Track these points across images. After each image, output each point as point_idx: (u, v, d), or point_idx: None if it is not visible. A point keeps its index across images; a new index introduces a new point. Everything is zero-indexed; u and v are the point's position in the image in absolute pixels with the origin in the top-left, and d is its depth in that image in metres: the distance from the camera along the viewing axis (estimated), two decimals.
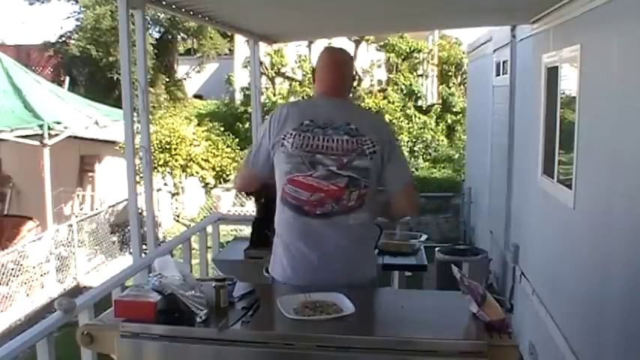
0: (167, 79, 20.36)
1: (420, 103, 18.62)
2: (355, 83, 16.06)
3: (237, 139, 16.30)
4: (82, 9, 20.00)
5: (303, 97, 16.38)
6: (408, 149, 17.11)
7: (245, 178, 2.75)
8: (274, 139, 2.46)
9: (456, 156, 16.82)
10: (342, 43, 16.83)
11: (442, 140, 17.78)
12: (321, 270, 2.42)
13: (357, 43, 17.88)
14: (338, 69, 2.59)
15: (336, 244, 2.43)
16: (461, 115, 17.34)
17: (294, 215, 2.45)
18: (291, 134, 2.42)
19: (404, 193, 2.55)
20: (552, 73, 4.77)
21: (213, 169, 14.70)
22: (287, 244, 2.48)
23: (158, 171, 13.04)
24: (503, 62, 7.04)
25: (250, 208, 12.66)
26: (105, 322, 2.06)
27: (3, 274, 8.38)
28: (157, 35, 21.25)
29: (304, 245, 2.44)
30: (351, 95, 2.81)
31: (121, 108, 3.65)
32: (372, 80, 18.82)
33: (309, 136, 2.41)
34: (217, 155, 14.95)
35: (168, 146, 13.64)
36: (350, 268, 2.46)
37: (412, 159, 16.99)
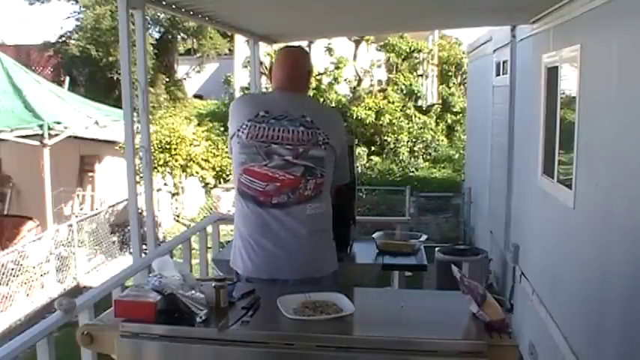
0: (167, 79, 20.37)
1: (420, 103, 18.63)
2: (355, 83, 15.97)
3: None
4: (82, 9, 20.02)
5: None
6: (408, 149, 17.13)
7: None
8: (231, 130, 2.51)
9: (456, 156, 16.82)
10: (342, 43, 16.88)
11: (442, 140, 17.79)
12: (282, 261, 2.43)
13: (357, 43, 17.89)
14: (288, 66, 2.63)
15: (295, 234, 2.43)
16: (461, 115, 17.34)
17: (250, 206, 2.45)
18: (247, 125, 2.45)
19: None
20: (552, 73, 4.77)
21: (213, 169, 14.68)
22: (245, 237, 2.49)
23: (158, 171, 13.03)
24: (503, 62, 7.04)
25: None
26: (105, 322, 2.06)
27: (3, 274, 8.37)
28: (157, 35, 21.27)
29: (262, 237, 2.44)
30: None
31: (121, 108, 3.65)
32: (372, 80, 18.82)
33: (265, 126, 2.43)
34: (217, 155, 14.94)
35: (168, 146, 13.63)
36: (311, 259, 2.46)
37: (412, 159, 17.01)
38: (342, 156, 2.56)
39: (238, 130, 2.47)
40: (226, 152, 15.31)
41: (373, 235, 3.54)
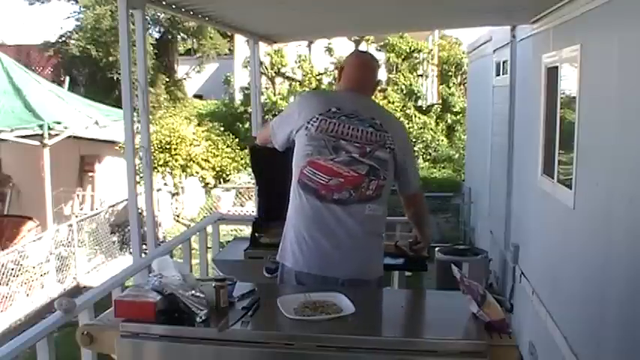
0: (167, 79, 20.35)
1: (420, 103, 18.63)
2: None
3: (237, 139, 16.30)
4: (82, 9, 19.98)
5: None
6: None
7: (265, 139, 2.78)
8: (299, 122, 2.49)
9: (456, 156, 16.82)
10: (342, 43, 16.87)
11: (442, 140, 17.78)
12: (335, 259, 2.41)
13: (357, 43, 17.88)
14: (365, 69, 2.67)
15: (350, 232, 2.42)
16: (461, 115, 17.34)
17: (309, 200, 2.44)
18: (317, 118, 2.45)
19: (421, 194, 2.71)
20: (552, 73, 4.77)
21: (213, 169, 14.69)
22: (299, 230, 2.46)
23: (158, 171, 13.03)
24: (503, 62, 7.05)
25: (250, 208, 12.66)
26: (105, 322, 2.06)
27: (3, 274, 8.37)
28: (157, 35, 21.23)
29: (317, 232, 2.43)
30: None
31: (121, 108, 3.66)
32: None
33: (335, 122, 2.44)
34: (217, 155, 14.94)
35: (168, 146, 13.64)
36: (363, 260, 2.45)
37: None
38: (405, 165, 2.55)
39: (308, 123, 2.46)
40: (226, 152, 15.33)
41: None
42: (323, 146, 2.42)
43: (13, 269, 8.56)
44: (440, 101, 19.02)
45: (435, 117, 17.88)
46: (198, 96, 23.58)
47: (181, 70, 22.79)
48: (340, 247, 2.41)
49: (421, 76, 19.41)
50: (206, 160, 14.53)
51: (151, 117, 3.95)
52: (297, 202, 2.48)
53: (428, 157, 17.47)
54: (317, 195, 2.42)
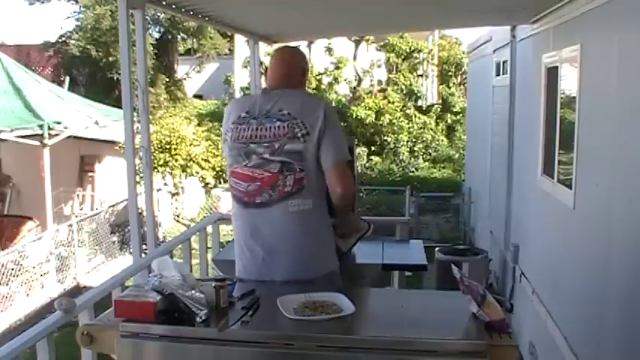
0: (167, 79, 20.36)
1: (420, 103, 18.61)
2: (355, 83, 15.88)
3: None
4: (82, 9, 20.01)
5: None
6: (408, 149, 17.13)
7: None
8: (223, 134, 2.55)
9: (456, 156, 16.82)
10: (342, 43, 16.88)
11: (442, 140, 17.77)
12: (267, 262, 2.41)
13: (357, 43, 17.88)
14: (280, 65, 2.65)
15: (279, 233, 2.40)
16: (461, 115, 17.34)
17: (238, 208, 2.48)
18: (231, 128, 2.49)
19: (333, 169, 2.41)
20: (552, 73, 4.77)
21: (213, 169, 14.68)
22: (239, 241, 2.51)
23: (158, 171, 13.02)
24: (503, 62, 7.05)
25: None
26: (105, 322, 2.06)
27: (3, 274, 8.37)
28: (157, 35, 21.25)
29: (250, 238, 2.45)
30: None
31: (121, 108, 3.66)
32: (372, 80, 18.82)
33: (245, 127, 2.45)
34: (217, 155, 14.92)
35: (168, 146, 13.62)
36: (298, 259, 2.40)
37: (412, 159, 17.00)
38: (325, 140, 2.38)
39: (225, 134, 2.51)
40: None
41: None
42: (237, 154, 2.45)
43: (13, 269, 8.56)
44: (440, 101, 19.00)
45: (435, 117, 17.87)
46: (198, 96, 23.59)
47: (181, 70, 22.80)
48: (270, 249, 2.41)
49: (421, 76, 19.39)
50: (206, 160, 14.52)
51: (151, 117, 3.95)
52: (234, 212, 2.53)
53: (428, 157, 17.46)
54: (242, 203, 2.45)
